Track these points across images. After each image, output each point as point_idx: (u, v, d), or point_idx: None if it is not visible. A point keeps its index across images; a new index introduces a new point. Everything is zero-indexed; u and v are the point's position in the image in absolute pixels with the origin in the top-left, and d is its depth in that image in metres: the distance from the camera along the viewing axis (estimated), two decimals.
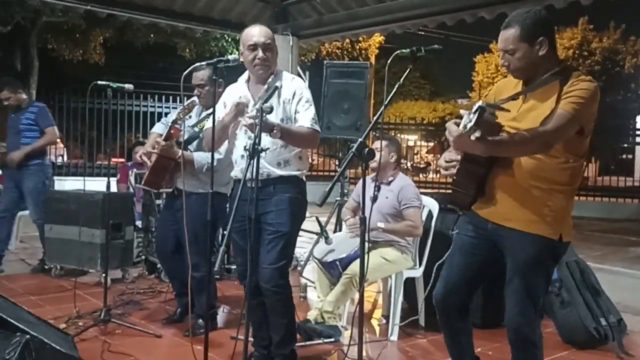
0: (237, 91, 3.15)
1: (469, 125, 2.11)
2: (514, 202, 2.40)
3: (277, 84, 2.98)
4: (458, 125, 2.21)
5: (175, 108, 3.97)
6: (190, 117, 3.92)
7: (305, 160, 3.16)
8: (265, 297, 3.06)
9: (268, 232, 3.00)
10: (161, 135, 3.72)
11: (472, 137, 2.14)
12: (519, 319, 2.44)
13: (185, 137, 3.66)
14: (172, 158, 3.63)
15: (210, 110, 3.72)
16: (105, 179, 4.12)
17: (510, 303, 2.47)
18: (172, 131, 3.61)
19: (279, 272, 3.01)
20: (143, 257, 5.60)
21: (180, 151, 3.53)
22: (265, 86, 3.02)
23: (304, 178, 3.14)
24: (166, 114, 4.41)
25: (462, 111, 2.25)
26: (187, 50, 14.03)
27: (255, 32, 2.99)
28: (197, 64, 3.08)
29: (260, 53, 2.96)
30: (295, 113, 2.99)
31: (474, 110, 2.12)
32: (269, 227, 3.00)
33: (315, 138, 3.03)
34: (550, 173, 2.36)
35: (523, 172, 2.37)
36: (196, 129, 3.77)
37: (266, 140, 2.88)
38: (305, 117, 2.97)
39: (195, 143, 3.76)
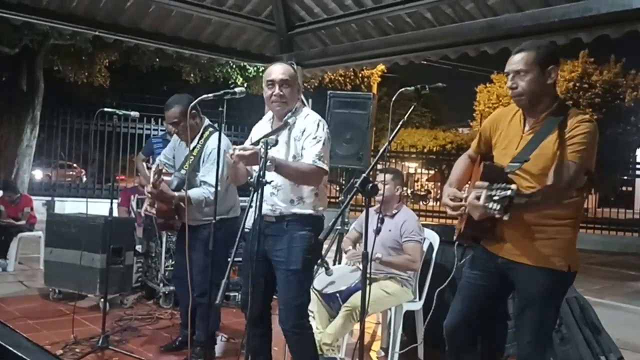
0: (261, 128, 3.16)
1: (494, 207, 2.11)
2: (522, 239, 2.49)
3: (290, 120, 2.99)
4: (478, 194, 2.22)
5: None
6: (173, 156, 3.98)
7: (323, 198, 3.08)
8: (286, 338, 3.02)
9: (281, 271, 2.96)
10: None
11: (498, 216, 2.15)
12: (531, 348, 2.50)
13: (175, 184, 3.72)
14: (168, 201, 3.68)
15: (192, 147, 3.80)
16: (107, 200, 4.14)
17: (522, 334, 2.54)
18: (161, 178, 3.63)
19: (296, 312, 2.96)
20: (141, 282, 5.59)
21: (175, 194, 3.64)
22: (282, 123, 3.02)
23: (322, 215, 3.05)
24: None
25: (478, 191, 2.22)
26: (192, 75, 14.13)
27: (274, 70, 3.00)
28: (204, 95, 3.12)
29: (276, 90, 2.97)
30: (302, 149, 2.96)
31: (500, 196, 2.10)
32: (281, 266, 2.96)
33: (316, 174, 2.92)
34: (555, 209, 2.43)
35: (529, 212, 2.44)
36: (183, 172, 3.79)
37: (277, 178, 2.89)
38: (309, 153, 2.92)
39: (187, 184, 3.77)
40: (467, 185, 2.74)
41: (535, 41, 2.53)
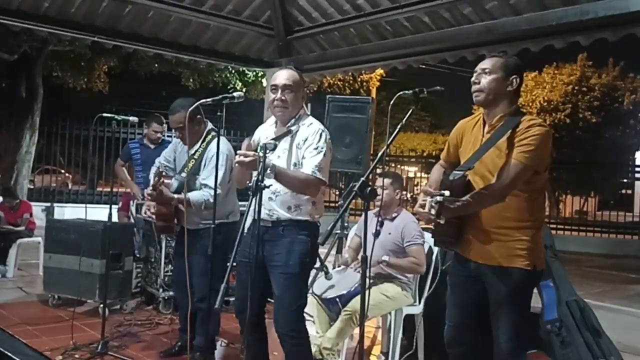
0: (264, 132, 3.15)
1: (432, 212, 2.41)
2: (487, 242, 2.59)
3: (293, 128, 3.00)
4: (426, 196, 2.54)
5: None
6: (174, 159, 3.98)
7: (320, 206, 3.08)
8: (283, 343, 3.02)
9: (278, 275, 2.96)
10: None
11: (434, 219, 2.46)
12: (508, 345, 2.58)
13: (175, 186, 3.72)
14: (168, 204, 3.68)
15: (194, 150, 3.81)
16: (107, 206, 4.13)
17: (497, 332, 2.61)
18: (161, 180, 3.63)
19: (294, 316, 2.97)
20: (141, 287, 5.57)
21: (175, 196, 3.64)
22: (285, 129, 3.02)
23: (318, 222, 3.07)
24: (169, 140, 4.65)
25: (423, 198, 2.55)
26: (191, 80, 14.13)
27: (279, 75, 3.03)
28: (203, 100, 3.13)
29: (279, 94, 2.97)
30: (302, 159, 2.96)
31: (434, 201, 2.38)
32: (279, 270, 2.96)
33: (313, 185, 2.93)
34: (514, 212, 2.56)
35: (490, 215, 2.56)
36: (183, 174, 3.78)
37: (277, 184, 2.90)
38: (308, 164, 2.92)
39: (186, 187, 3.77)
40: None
41: (509, 55, 2.75)
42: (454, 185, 2.49)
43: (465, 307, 2.74)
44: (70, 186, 16.42)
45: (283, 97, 2.97)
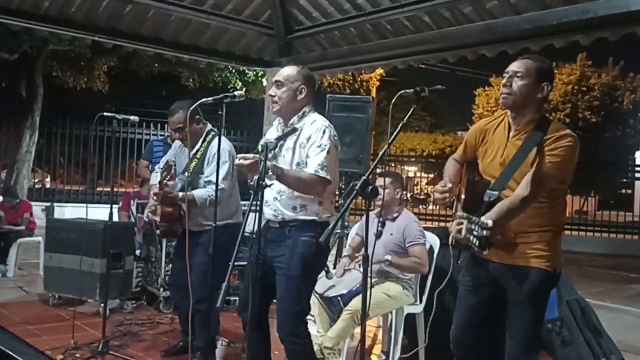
0: (270, 134, 3.13)
1: (474, 242, 2.29)
2: (510, 244, 2.57)
3: (298, 125, 2.97)
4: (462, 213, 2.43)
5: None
6: (174, 163, 3.99)
7: (328, 205, 3.02)
8: (283, 345, 2.99)
9: (280, 277, 2.93)
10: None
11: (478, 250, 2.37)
12: (523, 344, 2.58)
13: (179, 187, 3.73)
14: (173, 203, 3.68)
15: (195, 150, 3.81)
16: (107, 206, 4.13)
17: (512, 333, 2.61)
18: (166, 180, 3.63)
19: (293, 319, 2.92)
20: (141, 287, 5.57)
21: (180, 193, 3.64)
22: (289, 128, 3.00)
23: (327, 221, 2.98)
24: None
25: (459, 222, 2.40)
26: (191, 80, 14.14)
27: (278, 72, 3.04)
28: (204, 99, 3.12)
29: (270, 91, 3.01)
30: (306, 158, 2.91)
31: (479, 234, 2.26)
32: (281, 272, 2.93)
33: (317, 184, 2.87)
34: (537, 218, 2.55)
35: (514, 222, 2.51)
36: (187, 174, 3.79)
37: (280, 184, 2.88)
38: (311, 163, 2.87)
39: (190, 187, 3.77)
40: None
41: (541, 57, 2.64)
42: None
43: (475, 309, 2.73)
44: (47, 185, 16.18)
45: (272, 93, 2.99)
